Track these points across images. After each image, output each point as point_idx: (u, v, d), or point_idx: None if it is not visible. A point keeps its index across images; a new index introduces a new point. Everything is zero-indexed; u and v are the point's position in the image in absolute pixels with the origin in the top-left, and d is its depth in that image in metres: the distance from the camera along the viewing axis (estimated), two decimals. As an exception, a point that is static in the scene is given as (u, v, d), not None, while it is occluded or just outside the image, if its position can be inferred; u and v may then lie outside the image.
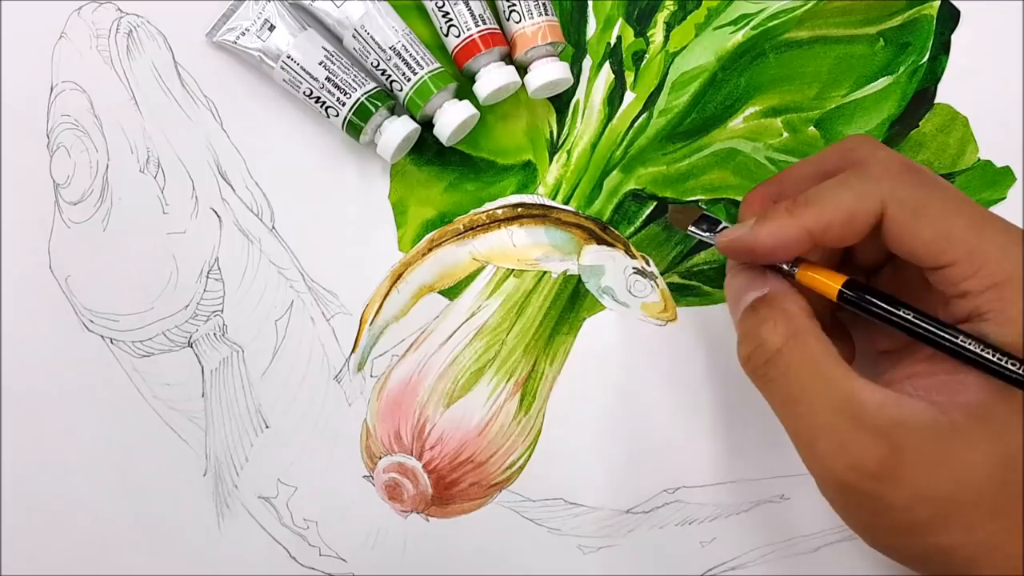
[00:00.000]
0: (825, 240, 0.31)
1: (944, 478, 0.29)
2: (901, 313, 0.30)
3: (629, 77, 0.44)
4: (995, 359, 0.28)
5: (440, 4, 0.41)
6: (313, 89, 0.41)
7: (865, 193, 0.31)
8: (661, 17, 0.44)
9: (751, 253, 0.33)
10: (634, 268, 0.42)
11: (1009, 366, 0.28)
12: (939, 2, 0.43)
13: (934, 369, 0.30)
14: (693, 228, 0.36)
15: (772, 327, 0.31)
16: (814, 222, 0.31)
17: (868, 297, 0.31)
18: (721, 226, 0.36)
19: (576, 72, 0.43)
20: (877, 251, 0.35)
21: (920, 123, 0.43)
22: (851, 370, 0.30)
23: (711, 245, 0.36)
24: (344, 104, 0.40)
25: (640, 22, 0.44)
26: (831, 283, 0.31)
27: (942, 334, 0.30)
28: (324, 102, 0.41)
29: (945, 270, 0.30)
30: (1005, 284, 0.29)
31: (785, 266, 0.33)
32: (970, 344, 0.29)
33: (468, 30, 0.40)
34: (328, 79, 0.40)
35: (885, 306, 0.31)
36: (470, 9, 0.40)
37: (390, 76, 0.41)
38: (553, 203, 0.43)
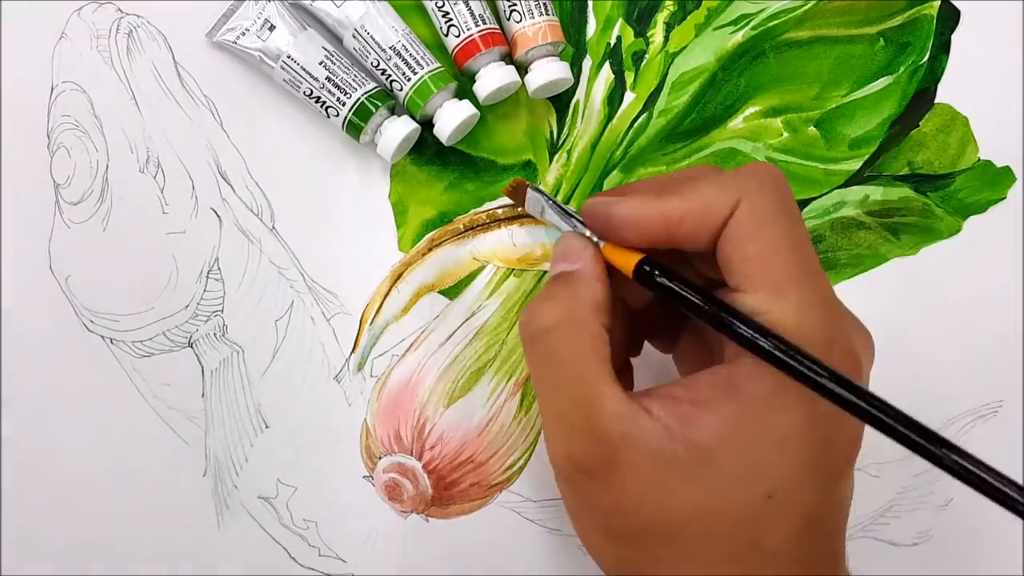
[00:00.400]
0: (679, 233, 0.30)
1: (648, 503, 0.28)
2: (682, 289, 0.29)
3: (629, 77, 0.44)
4: (747, 332, 0.27)
5: (440, 4, 0.41)
6: (313, 89, 0.41)
7: (727, 186, 0.30)
8: (661, 17, 0.44)
9: (606, 222, 0.31)
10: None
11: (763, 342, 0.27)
12: (939, 2, 0.43)
13: (685, 396, 0.29)
14: (536, 195, 0.35)
15: (552, 306, 0.31)
16: (672, 208, 0.30)
17: (656, 277, 0.30)
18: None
19: (576, 72, 0.43)
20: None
21: (920, 123, 0.43)
22: (607, 373, 0.30)
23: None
24: (344, 104, 0.40)
25: (640, 22, 0.44)
26: (630, 260, 0.30)
27: (706, 308, 0.29)
28: (324, 102, 0.41)
29: (744, 295, 0.29)
30: (782, 324, 0.28)
31: (593, 238, 0.32)
32: (739, 325, 0.28)
33: (468, 30, 0.40)
34: (328, 79, 0.40)
35: (671, 284, 0.29)
36: (470, 9, 0.40)
37: (390, 76, 0.41)
38: (553, 203, 0.43)
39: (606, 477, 0.29)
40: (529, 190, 0.36)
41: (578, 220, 0.33)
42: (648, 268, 0.30)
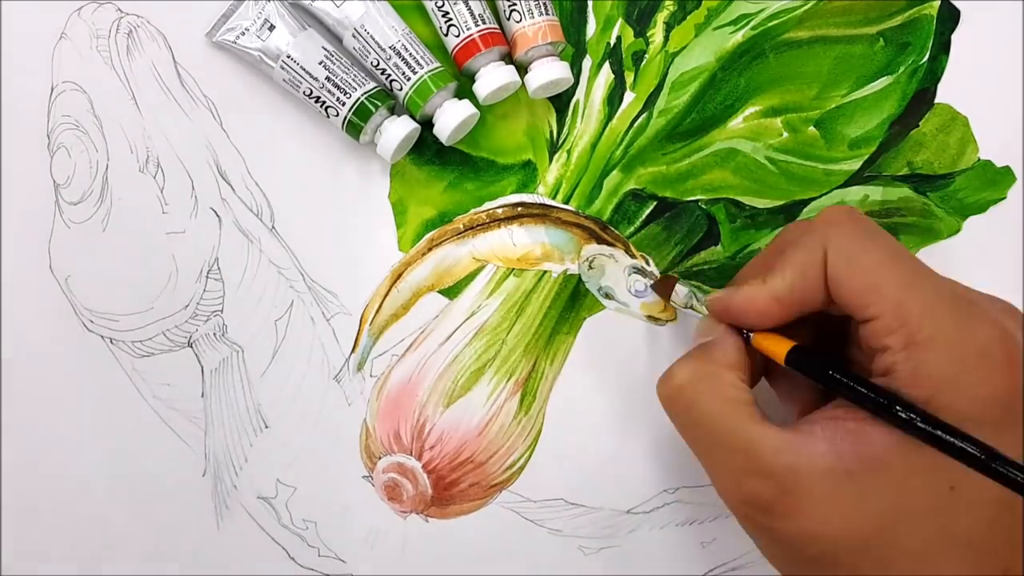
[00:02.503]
0: (795, 304, 0.32)
1: (833, 521, 0.30)
2: (831, 375, 0.31)
3: (629, 77, 0.44)
4: (904, 415, 0.29)
5: (440, 4, 0.41)
6: (313, 89, 0.41)
7: (810, 244, 0.32)
8: (661, 17, 0.44)
9: (726, 313, 0.34)
10: (634, 267, 0.42)
11: (919, 424, 0.28)
12: (939, 2, 0.43)
13: (847, 415, 0.31)
14: (681, 289, 0.39)
15: (685, 367, 0.34)
16: (779, 285, 0.32)
17: (809, 364, 0.32)
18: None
19: (576, 72, 0.43)
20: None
21: (920, 123, 0.43)
22: (755, 417, 0.31)
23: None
24: (344, 104, 0.40)
25: (640, 22, 0.44)
26: (780, 348, 0.33)
27: (859, 391, 0.30)
28: (324, 102, 0.41)
29: (871, 323, 0.30)
30: (923, 344, 0.29)
31: (744, 332, 0.34)
32: (883, 400, 0.29)
33: (468, 30, 0.40)
34: (328, 79, 0.40)
35: (819, 370, 0.32)
36: (470, 9, 0.40)
37: (390, 76, 0.41)
38: (553, 202, 0.43)
39: (785, 510, 0.30)
40: (678, 285, 0.39)
41: None
42: (796, 356, 0.32)
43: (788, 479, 0.30)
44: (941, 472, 0.29)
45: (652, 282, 0.42)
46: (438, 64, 0.41)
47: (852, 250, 0.31)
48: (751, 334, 0.34)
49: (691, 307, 0.38)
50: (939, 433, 0.28)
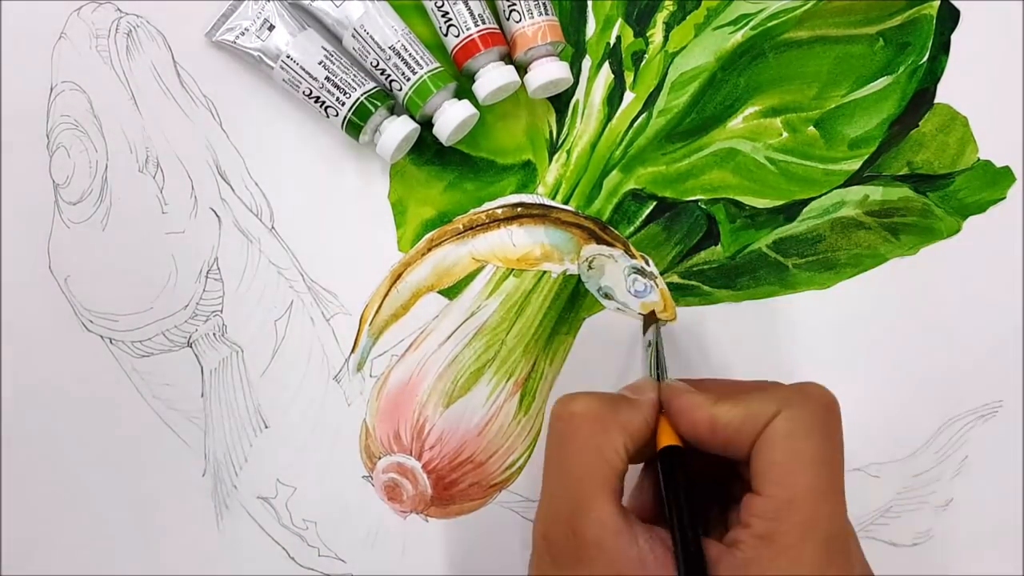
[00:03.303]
0: (721, 436, 0.31)
1: None
2: (669, 494, 0.31)
3: (629, 77, 0.43)
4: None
5: (439, 4, 0.41)
6: (312, 89, 0.41)
7: (771, 398, 0.31)
8: (660, 17, 0.44)
9: (667, 404, 0.33)
10: (634, 268, 0.42)
11: None
12: (939, 2, 0.43)
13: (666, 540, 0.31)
14: (650, 336, 0.39)
15: (591, 400, 0.32)
16: (722, 413, 0.31)
17: (662, 471, 0.32)
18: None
19: (576, 72, 0.43)
20: None
21: (920, 123, 0.43)
22: (609, 482, 0.31)
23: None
24: (343, 104, 0.40)
25: (640, 22, 0.44)
26: (665, 438, 0.32)
27: (680, 522, 0.30)
28: (323, 102, 0.41)
29: (755, 497, 0.29)
30: (774, 546, 0.29)
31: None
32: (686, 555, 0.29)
33: (467, 30, 0.40)
34: (327, 79, 0.40)
35: (665, 485, 0.31)
36: (469, 9, 0.40)
37: (389, 76, 0.41)
38: (553, 203, 0.43)
39: (569, 571, 0.30)
40: (653, 325, 0.40)
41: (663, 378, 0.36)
42: (670, 455, 0.32)
43: (590, 552, 0.30)
44: None
45: (644, 316, 0.42)
46: (438, 64, 0.41)
47: (798, 429, 0.30)
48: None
49: (647, 349, 0.38)
50: None
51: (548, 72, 0.41)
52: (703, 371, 0.42)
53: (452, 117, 0.40)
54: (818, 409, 0.31)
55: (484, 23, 0.40)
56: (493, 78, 0.40)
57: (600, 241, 0.43)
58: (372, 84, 0.41)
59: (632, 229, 0.43)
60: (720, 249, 0.43)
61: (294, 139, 0.43)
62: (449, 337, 0.43)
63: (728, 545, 0.30)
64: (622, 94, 0.43)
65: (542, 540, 0.32)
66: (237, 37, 0.42)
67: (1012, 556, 0.42)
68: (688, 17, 0.43)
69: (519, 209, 0.43)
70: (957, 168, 0.43)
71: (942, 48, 0.43)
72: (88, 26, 0.44)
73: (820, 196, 0.43)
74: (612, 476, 0.31)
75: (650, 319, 0.41)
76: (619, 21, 0.44)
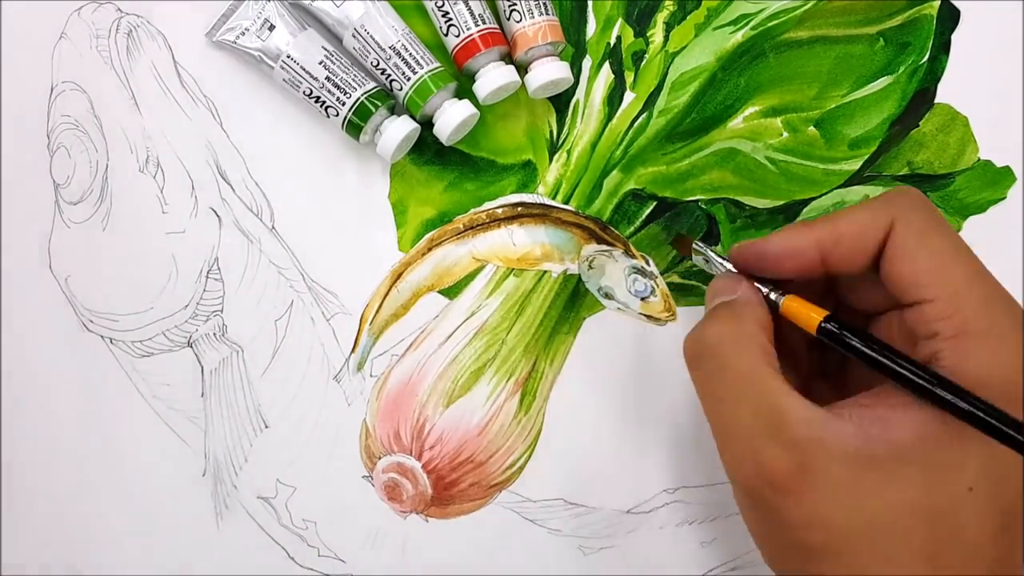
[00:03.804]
0: (834, 257, 0.31)
1: (846, 508, 0.28)
2: (871, 348, 0.30)
3: (629, 77, 0.44)
4: (949, 398, 0.28)
5: (440, 4, 0.41)
6: (313, 89, 0.41)
7: (878, 209, 0.31)
8: (661, 17, 0.44)
9: (760, 258, 0.33)
10: (634, 268, 0.42)
11: (961, 405, 0.27)
12: (939, 2, 0.43)
13: (876, 403, 0.30)
14: (698, 245, 0.37)
15: (718, 325, 0.32)
16: (827, 234, 0.31)
17: (845, 332, 0.30)
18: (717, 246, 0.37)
19: (576, 72, 0.43)
20: (871, 297, 0.34)
21: (920, 123, 0.43)
22: (786, 385, 0.30)
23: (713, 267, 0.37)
24: (344, 104, 0.40)
25: (640, 22, 0.44)
26: (813, 315, 0.31)
27: (905, 368, 0.29)
28: (324, 102, 0.41)
29: (923, 306, 0.29)
30: (974, 336, 0.29)
31: (772, 295, 0.33)
32: (928, 378, 0.28)
33: (468, 30, 0.40)
34: (328, 79, 0.40)
35: (858, 342, 0.30)
36: (470, 9, 0.40)
37: (390, 76, 0.41)
38: (553, 202, 0.43)
39: (799, 487, 0.29)
40: (695, 243, 0.38)
41: (731, 269, 0.35)
42: (832, 326, 0.30)
43: (810, 453, 0.28)
44: (964, 472, 0.28)
45: (670, 241, 0.41)
46: (438, 64, 0.41)
47: (924, 228, 0.30)
48: (780, 300, 0.32)
49: (704, 265, 0.37)
50: (993, 422, 0.26)
51: (548, 72, 0.41)
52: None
53: (452, 117, 0.40)
54: (925, 204, 0.31)
55: (484, 23, 0.40)
56: (493, 78, 0.40)
57: (600, 241, 0.43)
58: (372, 84, 0.41)
59: (632, 229, 0.43)
60: (720, 249, 0.43)
61: (294, 139, 0.43)
62: (449, 337, 0.43)
63: (927, 362, 0.29)
64: (622, 94, 0.43)
65: (754, 478, 0.29)
66: (237, 37, 0.42)
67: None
68: (688, 17, 0.43)
69: (519, 209, 0.43)
70: (957, 168, 0.43)
71: (942, 48, 0.43)
72: (88, 26, 0.44)
73: (820, 196, 0.43)
74: (779, 376, 0.30)
75: (679, 242, 0.39)
76: (619, 21, 0.44)
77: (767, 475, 0.29)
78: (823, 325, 0.31)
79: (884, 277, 0.31)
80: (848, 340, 0.30)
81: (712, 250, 0.37)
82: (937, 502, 0.28)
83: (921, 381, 0.28)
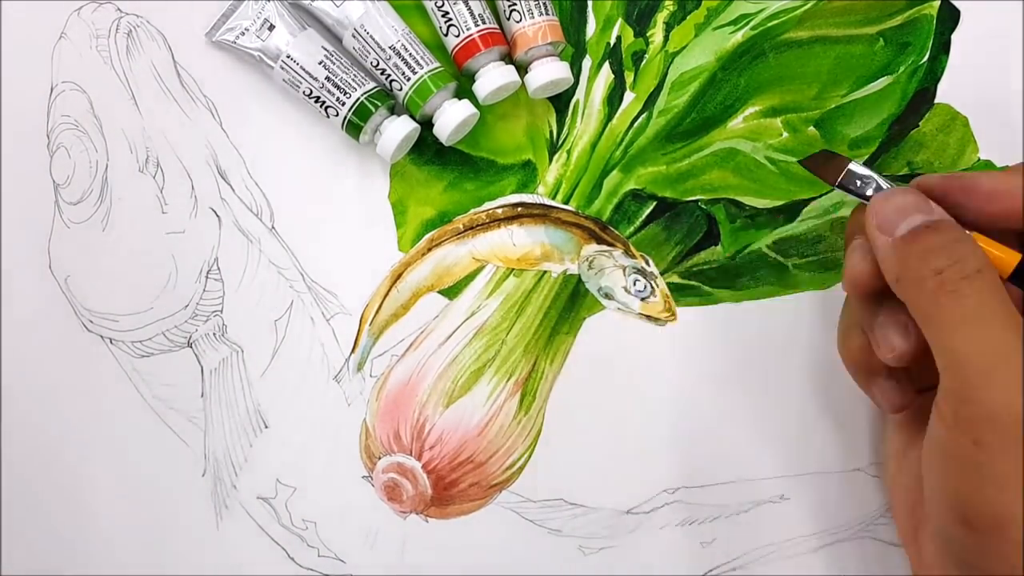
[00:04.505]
0: None
1: None
2: None
3: (629, 77, 0.44)
4: None
5: (440, 4, 0.41)
6: (313, 89, 0.41)
7: None
8: (661, 17, 0.44)
9: (967, 192, 0.29)
10: (634, 268, 0.42)
11: None
12: (939, 2, 0.43)
13: None
14: (857, 169, 0.33)
15: (973, 247, 0.27)
16: None
17: None
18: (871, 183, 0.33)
19: (576, 72, 0.43)
20: None
21: (920, 123, 0.43)
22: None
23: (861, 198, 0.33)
24: (344, 104, 0.40)
25: (640, 22, 0.44)
26: (1007, 256, 0.28)
27: None
28: (324, 102, 0.41)
29: None
30: None
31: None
32: None
33: (468, 30, 0.40)
34: (328, 79, 0.40)
35: None
36: (470, 9, 0.40)
37: (390, 76, 0.41)
38: (553, 203, 0.43)
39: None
40: (852, 165, 0.33)
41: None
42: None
43: None
44: None
45: (805, 161, 0.36)
46: (438, 64, 0.41)
47: None
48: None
49: (863, 193, 0.33)
50: None
51: (548, 72, 0.41)
52: (703, 370, 0.42)
53: (452, 117, 0.40)
54: None
55: (484, 23, 0.40)
56: (493, 78, 0.40)
57: (600, 241, 0.43)
58: (372, 84, 0.41)
59: (632, 229, 0.43)
60: (720, 249, 0.43)
61: (294, 139, 0.43)
62: (449, 337, 0.43)
63: None
64: (622, 94, 0.43)
65: (1006, 411, 0.25)
66: (237, 37, 0.42)
67: (1012, 556, 0.42)
68: (688, 17, 0.43)
69: (519, 209, 0.43)
70: (957, 168, 0.43)
71: (942, 48, 0.43)
72: (88, 26, 0.44)
73: (820, 196, 0.43)
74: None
75: (824, 161, 0.34)
76: (619, 21, 0.44)
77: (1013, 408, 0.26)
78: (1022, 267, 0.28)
79: None
80: None
81: (882, 175, 0.32)
82: None
83: None
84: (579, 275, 0.43)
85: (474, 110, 0.41)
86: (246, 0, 0.42)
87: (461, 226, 0.43)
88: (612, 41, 0.44)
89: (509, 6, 0.41)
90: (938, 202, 0.30)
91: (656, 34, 0.44)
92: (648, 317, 0.42)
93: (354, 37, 0.41)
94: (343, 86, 0.40)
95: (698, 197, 0.43)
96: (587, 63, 0.44)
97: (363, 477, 0.43)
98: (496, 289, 0.43)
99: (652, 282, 0.42)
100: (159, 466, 0.43)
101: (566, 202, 0.43)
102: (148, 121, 0.44)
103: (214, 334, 0.43)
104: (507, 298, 0.43)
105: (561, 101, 0.44)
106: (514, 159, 0.43)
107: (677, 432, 0.42)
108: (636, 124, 0.43)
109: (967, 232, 0.29)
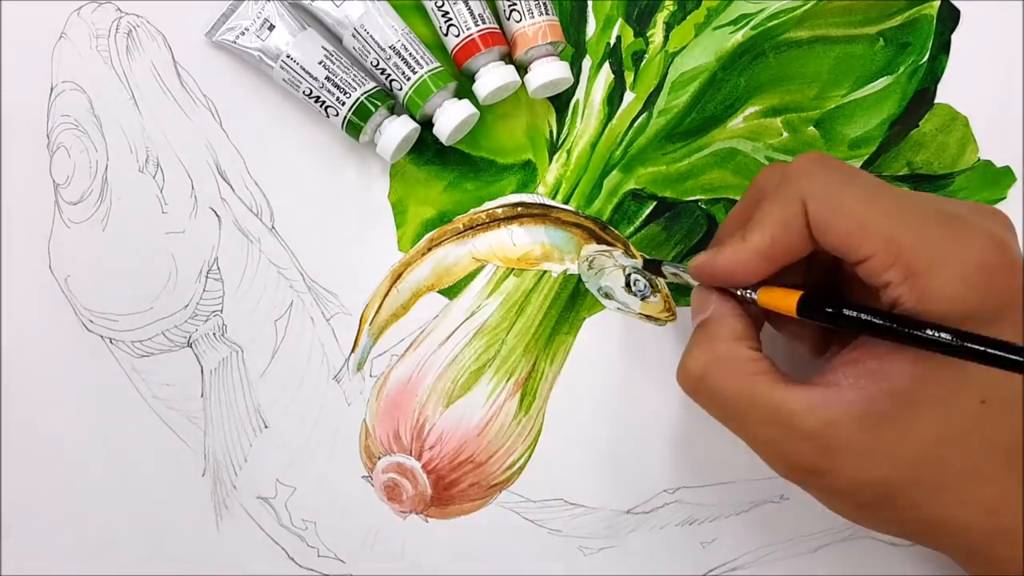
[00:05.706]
0: (779, 256, 0.32)
1: (878, 463, 0.30)
2: (848, 315, 0.31)
3: (629, 77, 0.43)
4: (934, 335, 0.28)
5: (440, 4, 0.41)
6: (313, 89, 0.41)
7: (787, 197, 0.32)
8: (661, 17, 0.44)
9: (713, 277, 0.34)
10: (634, 268, 0.42)
11: (940, 338, 0.28)
12: (939, 2, 0.43)
13: (865, 356, 0.31)
14: (667, 268, 0.38)
15: (697, 353, 0.33)
16: (759, 241, 0.32)
17: (824, 310, 0.31)
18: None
19: (576, 72, 0.43)
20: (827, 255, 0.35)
21: (920, 123, 0.43)
22: (779, 383, 0.31)
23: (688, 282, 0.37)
24: (344, 104, 0.40)
25: (640, 22, 0.44)
26: (788, 301, 0.32)
27: (882, 324, 0.30)
28: (324, 102, 0.41)
29: (867, 262, 0.30)
30: (922, 272, 0.29)
31: (748, 293, 0.34)
32: (906, 328, 0.29)
33: (468, 30, 0.40)
34: (328, 79, 0.40)
35: (834, 313, 0.31)
36: (470, 9, 0.40)
37: (390, 75, 0.41)
38: (553, 202, 0.43)
39: (832, 465, 0.31)
40: (664, 265, 0.38)
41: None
42: (808, 305, 0.31)
43: (826, 436, 0.30)
44: (969, 389, 0.30)
45: (640, 265, 0.42)
46: (438, 64, 0.41)
47: (832, 196, 0.31)
48: (754, 295, 0.34)
49: (682, 281, 0.38)
50: (973, 345, 0.27)
51: (548, 72, 0.41)
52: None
53: (452, 117, 0.40)
54: (823, 167, 0.32)
55: (484, 23, 0.40)
56: (493, 78, 0.40)
57: (600, 241, 0.43)
58: (372, 84, 0.41)
59: (632, 229, 0.43)
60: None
61: (294, 139, 0.43)
62: (449, 337, 0.43)
63: (892, 307, 0.30)
64: (622, 94, 0.43)
65: (792, 472, 0.32)
66: (237, 37, 0.42)
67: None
68: (688, 17, 0.43)
69: (519, 209, 0.43)
70: (957, 168, 0.43)
71: (942, 48, 0.43)
72: (88, 26, 0.44)
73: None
74: (772, 373, 0.32)
75: (650, 266, 0.40)
76: (619, 21, 0.44)
77: (800, 466, 0.31)
78: (800, 307, 0.32)
79: (825, 249, 0.32)
80: (829, 314, 0.31)
81: (682, 269, 0.37)
82: (956, 425, 0.30)
83: (901, 335, 0.29)
84: (579, 275, 0.43)
85: (474, 110, 0.41)
86: (246, 0, 0.42)
87: (461, 226, 0.43)
88: (612, 41, 0.44)
89: (509, 6, 0.41)
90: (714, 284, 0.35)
91: (656, 34, 0.44)
92: (648, 317, 0.42)
93: (354, 37, 0.41)
94: (343, 86, 0.40)
95: (698, 197, 0.43)
96: (587, 63, 0.44)
97: (363, 477, 0.43)
98: (496, 289, 0.43)
99: (652, 282, 0.42)
100: (159, 466, 0.43)
101: (566, 202, 0.43)
102: (148, 121, 0.44)
103: (214, 334, 0.43)
104: (507, 298, 0.43)
105: (561, 101, 0.44)
106: (514, 159, 0.43)
107: (677, 432, 0.42)
108: (636, 124, 0.43)
109: (724, 321, 0.34)
